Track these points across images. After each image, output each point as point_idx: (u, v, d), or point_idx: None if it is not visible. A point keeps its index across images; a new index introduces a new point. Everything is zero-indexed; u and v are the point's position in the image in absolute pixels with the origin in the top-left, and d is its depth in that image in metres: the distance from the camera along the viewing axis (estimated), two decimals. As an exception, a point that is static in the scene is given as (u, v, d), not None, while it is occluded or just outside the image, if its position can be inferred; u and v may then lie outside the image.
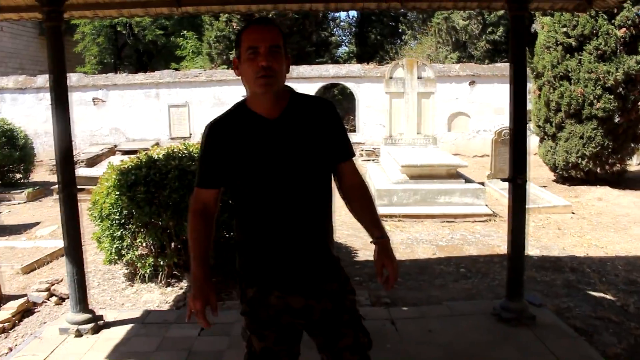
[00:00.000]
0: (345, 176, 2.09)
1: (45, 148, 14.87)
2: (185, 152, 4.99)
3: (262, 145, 1.92)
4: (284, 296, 1.98)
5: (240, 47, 1.92)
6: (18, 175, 11.47)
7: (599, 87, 9.42)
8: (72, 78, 15.54)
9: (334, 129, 2.03)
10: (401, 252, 6.19)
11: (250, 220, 2.00)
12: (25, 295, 4.64)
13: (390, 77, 11.38)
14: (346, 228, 6.54)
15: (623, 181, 10.32)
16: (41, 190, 10.62)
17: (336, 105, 2.11)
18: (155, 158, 4.85)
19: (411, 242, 6.65)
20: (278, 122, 1.94)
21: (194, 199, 2.03)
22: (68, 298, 4.14)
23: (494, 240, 6.72)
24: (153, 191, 4.52)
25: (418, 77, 11.20)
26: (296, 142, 1.94)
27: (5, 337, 3.98)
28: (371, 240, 2.09)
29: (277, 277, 1.98)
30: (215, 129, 1.99)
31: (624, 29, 9.31)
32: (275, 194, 1.93)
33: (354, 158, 2.13)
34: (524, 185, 3.70)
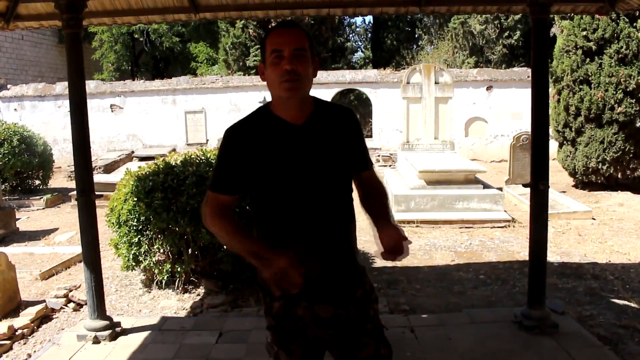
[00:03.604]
0: (366, 183, 2.07)
1: (63, 154, 15.07)
2: (203, 158, 4.99)
3: (288, 151, 1.88)
4: (311, 306, 1.93)
5: (265, 52, 1.89)
6: (37, 182, 11.61)
7: (620, 91, 9.29)
8: (90, 85, 15.72)
9: (356, 138, 2.01)
10: (419, 259, 6.13)
11: (274, 228, 1.93)
12: (44, 301, 4.66)
13: (408, 82, 11.33)
14: (364, 234, 6.48)
15: (645, 187, 10.15)
16: (59, 197, 10.72)
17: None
18: (173, 164, 4.86)
19: (429, 249, 6.58)
20: (304, 128, 1.91)
21: (209, 203, 1.94)
22: (86, 304, 4.15)
23: (513, 246, 6.63)
24: (170, 197, 4.52)
25: (435, 82, 11.13)
26: (322, 149, 1.90)
27: (25, 343, 3.99)
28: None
29: (304, 287, 1.92)
30: (237, 133, 1.93)
31: (645, 32, 9.19)
32: (301, 202, 1.87)
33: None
34: (545, 191, 3.63)
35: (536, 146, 3.69)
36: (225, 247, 2.05)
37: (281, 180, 1.88)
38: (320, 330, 1.95)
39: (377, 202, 2.05)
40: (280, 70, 1.82)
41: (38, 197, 10.40)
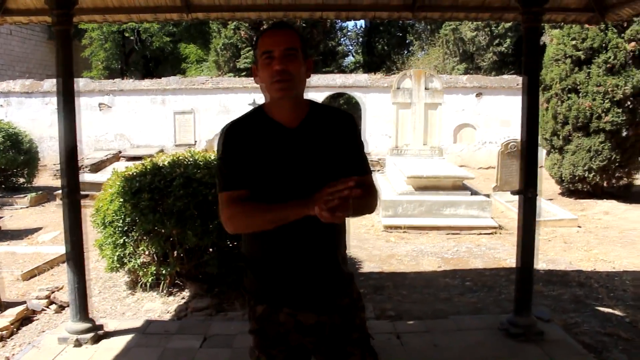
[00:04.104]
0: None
1: (49, 153, 14.90)
2: (191, 159, 4.95)
3: (280, 155, 1.85)
4: (294, 313, 1.91)
5: (257, 54, 1.88)
6: (22, 180, 11.48)
7: (608, 100, 9.38)
8: (79, 83, 15.58)
9: (352, 143, 1.96)
10: (406, 264, 6.13)
11: (262, 232, 1.88)
12: (25, 302, 4.58)
13: (398, 88, 11.35)
14: (351, 239, 6.48)
15: (630, 195, 10.24)
16: (44, 195, 10.61)
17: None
18: (160, 165, 4.81)
19: (416, 254, 6.57)
20: (297, 131, 1.88)
21: (224, 206, 1.85)
22: (68, 306, 4.09)
23: (499, 253, 6.65)
24: (157, 198, 4.47)
25: (425, 88, 11.17)
26: (315, 153, 1.87)
27: (3, 346, 3.91)
28: None
29: (288, 293, 1.91)
30: (233, 132, 1.89)
31: (633, 43, 9.29)
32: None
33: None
34: (534, 198, 3.63)
35: (526, 154, 3.69)
36: (256, 228, 1.91)
37: (271, 184, 1.86)
38: (303, 338, 1.93)
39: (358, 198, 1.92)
40: (271, 71, 1.80)
41: (22, 196, 10.27)
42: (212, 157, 5.00)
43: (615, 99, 9.35)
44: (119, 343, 3.65)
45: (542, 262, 6.14)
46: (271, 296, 1.93)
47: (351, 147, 1.96)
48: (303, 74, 1.88)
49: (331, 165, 1.89)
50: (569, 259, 6.39)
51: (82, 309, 3.67)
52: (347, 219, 1.97)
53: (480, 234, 7.59)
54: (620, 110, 9.37)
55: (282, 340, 1.92)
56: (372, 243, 7.11)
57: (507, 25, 20.11)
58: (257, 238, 1.92)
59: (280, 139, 1.87)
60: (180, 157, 5.01)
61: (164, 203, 4.45)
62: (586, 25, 8.97)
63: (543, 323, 3.89)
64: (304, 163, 1.86)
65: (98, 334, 3.68)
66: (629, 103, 9.40)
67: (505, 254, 6.54)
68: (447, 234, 7.59)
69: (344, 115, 2.00)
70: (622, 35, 9.42)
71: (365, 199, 1.94)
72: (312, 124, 1.91)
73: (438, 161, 10.47)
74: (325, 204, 1.62)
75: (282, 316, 1.91)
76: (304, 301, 1.92)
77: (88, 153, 15.23)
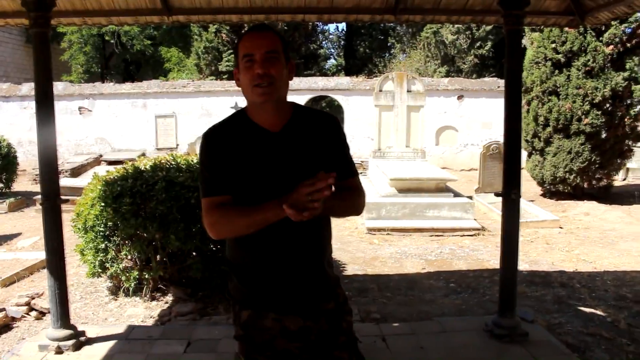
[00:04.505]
0: (345, 190, 1.93)
1: (28, 157, 14.67)
2: (173, 163, 4.90)
3: (263, 159, 1.83)
4: (280, 318, 1.89)
5: (238, 57, 1.85)
6: (0, 185, 11.27)
7: (587, 102, 9.51)
8: (58, 86, 15.38)
9: (336, 146, 1.94)
10: (390, 266, 6.13)
11: (246, 237, 1.85)
12: (4, 309, 4.48)
13: (380, 90, 11.38)
14: (334, 242, 6.46)
15: (609, 196, 10.40)
16: (23, 200, 10.43)
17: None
18: (142, 169, 4.75)
19: (400, 256, 6.58)
20: (280, 135, 1.86)
21: (207, 212, 1.83)
22: (49, 312, 4.02)
23: (483, 254, 6.69)
24: (139, 203, 4.42)
25: (408, 91, 11.21)
26: (298, 157, 1.85)
27: (-18, 354, 3.84)
28: None
29: (273, 298, 1.89)
30: (214, 136, 1.87)
31: (611, 46, 9.45)
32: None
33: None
34: (517, 200, 3.65)
35: (509, 155, 3.71)
36: (240, 232, 1.88)
37: (254, 188, 1.83)
38: (289, 343, 1.90)
39: (342, 194, 1.89)
40: (252, 75, 1.78)
41: (0, 201, 10.08)
42: (195, 161, 4.96)
43: (594, 102, 9.48)
44: (101, 349, 3.59)
45: (524, 263, 6.19)
46: (256, 301, 1.91)
47: (336, 149, 1.94)
48: (285, 77, 1.85)
49: (316, 169, 1.86)
50: (551, 260, 6.45)
51: (63, 316, 3.60)
52: (331, 221, 1.97)
53: (463, 235, 7.63)
54: (599, 113, 9.51)
55: (268, 346, 1.89)
56: (355, 245, 7.10)
57: (488, 28, 20.36)
58: (241, 242, 1.89)
59: (263, 143, 1.85)
60: (162, 161, 4.96)
61: (146, 207, 4.40)
62: (565, 29, 9.11)
63: (527, 324, 3.92)
64: (288, 167, 1.83)
65: (80, 340, 3.61)
66: (607, 105, 9.55)
67: (488, 255, 6.58)
68: (431, 235, 7.62)
69: (328, 117, 1.98)
70: (600, 38, 9.57)
71: (351, 200, 1.95)
72: (295, 127, 1.88)
73: (421, 163, 10.52)
74: (301, 204, 1.61)
75: (268, 321, 1.89)
76: (289, 305, 1.89)
77: (68, 157, 15.04)
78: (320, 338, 1.92)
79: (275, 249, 1.86)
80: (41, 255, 5.70)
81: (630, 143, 10.18)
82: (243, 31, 1.98)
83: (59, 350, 3.51)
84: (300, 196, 1.63)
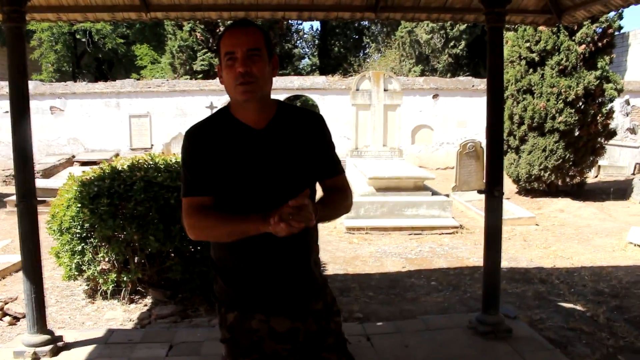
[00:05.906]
0: (332, 189, 1.93)
1: (-1, 158, 14.32)
2: (151, 163, 4.81)
3: (247, 157, 1.79)
4: (267, 319, 1.85)
5: (220, 54, 1.80)
6: (-31, 187, 10.97)
7: (561, 101, 9.65)
8: (29, 85, 14.99)
9: (321, 144, 1.92)
10: (370, 266, 6.13)
11: None
12: (-24, 314, 4.36)
13: (357, 89, 11.39)
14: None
15: (583, 193, 10.58)
16: (-6, 203, 10.16)
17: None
18: (120, 169, 4.66)
19: (380, 255, 6.58)
20: (264, 133, 1.82)
21: (186, 212, 1.80)
22: (23, 317, 3.91)
23: (462, 252, 6.73)
24: (117, 203, 4.32)
25: (384, 90, 11.24)
26: (283, 155, 1.82)
27: (-46, 361, 3.71)
28: None
29: (260, 299, 1.85)
30: (198, 135, 1.82)
31: (583, 45, 9.61)
32: (259, 210, 1.73)
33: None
34: (500, 197, 3.67)
35: (491, 153, 3.73)
36: (218, 239, 1.85)
37: (239, 186, 1.79)
38: (277, 345, 1.86)
39: (331, 198, 1.89)
40: (235, 73, 1.74)
41: (-30, 203, 9.82)
42: (173, 160, 4.88)
43: (568, 100, 9.63)
44: (80, 354, 3.49)
45: (503, 260, 6.17)
46: (243, 302, 1.87)
47: (322, 148, 1.92)
48: (268, 74, 1.82)
49: (301, 167, 1.84)
50: (530, 257, 6.52)
51: (40, 320, 3.49)
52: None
53: (442, 233, 7.67)
54: (572, 111, 9.66)
55: (255, 349, 1.85)
56: (335, 245, 7.08)
57: (462, 27, 20.55)
58: (227, 243, 1.85)
59: (247, 140, 1.81)
60: (140, 161, 4.87)
61: (124, 208, 4.31)
62: (539, 28, 9.23)
63: (510, 320, 3.94)
64: (273, 165, 1.80)
65: (57, 345, 3.51)
66: (580, 104, 9.72)
67: (467, 253, 6.63)
68: (410, 234, 7.64)
69: (313, 115, 1.96)
70: (573, 37, 9.73)
71: (340, 203, 1.94)
72: (280, 124, 1.85)
73: (399, 162, 10.55)
74: (293, 222, 1.60)
75: (255, 323, 1.85)
76: (277, 306, 1.86)
77: (39, 158, 14.67)
78: (308, 339, 1.89)
79: (262, 249, 1.82)
80: (13, 258, 5.56)
81: (602, 141, 10.37)
82: (218, 30, 1.91)
83: (36, 357, 3.40)
84: (285, 214, 1.61)
